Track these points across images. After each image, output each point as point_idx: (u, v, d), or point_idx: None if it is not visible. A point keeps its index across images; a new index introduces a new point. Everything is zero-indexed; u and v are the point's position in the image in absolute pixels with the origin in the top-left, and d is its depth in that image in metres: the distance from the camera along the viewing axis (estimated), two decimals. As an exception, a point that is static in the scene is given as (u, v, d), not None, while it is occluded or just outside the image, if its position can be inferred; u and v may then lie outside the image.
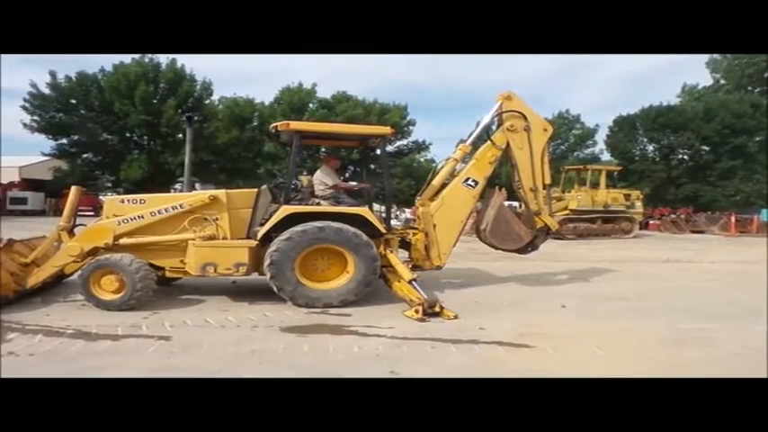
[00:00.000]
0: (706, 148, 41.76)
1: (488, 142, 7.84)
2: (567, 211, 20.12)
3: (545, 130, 8.07)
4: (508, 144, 7.88)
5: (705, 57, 48.69)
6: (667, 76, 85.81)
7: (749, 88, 47.17)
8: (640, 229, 23.62)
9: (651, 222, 29.02)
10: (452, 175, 7.99)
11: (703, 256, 14.05)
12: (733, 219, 25.61)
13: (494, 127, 7.98)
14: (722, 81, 49.75)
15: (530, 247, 8.16)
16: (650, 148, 43.91)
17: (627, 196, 23.25)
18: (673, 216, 28.36)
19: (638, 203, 23.55)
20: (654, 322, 5.99)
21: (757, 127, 40.44)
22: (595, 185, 21.67)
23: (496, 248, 8.21)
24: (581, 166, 23.67)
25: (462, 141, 8.72)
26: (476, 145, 8.11)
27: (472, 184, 7.67)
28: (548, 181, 8.14)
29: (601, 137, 44.98)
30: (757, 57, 43.80)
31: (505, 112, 7.81)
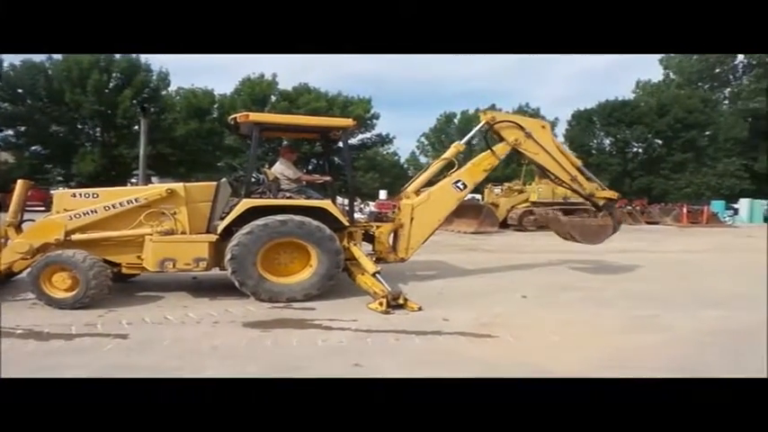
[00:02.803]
0: (659, 141, 43.37)
1: (488, 151, 8.00)
2: (528, 204, 20.50)
3: (543, 127, 8.36)
4: (523, 155, 8.25)
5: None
6: (623, 71, 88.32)
7: (699, 84, 49.09)
8: (598, 220, 24.21)
9: (608, 214, 29.80)
10: (442, 173, 8.12)
11: (657, 246, 14.57)
12: (685, 210, 26.62)
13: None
14: (672, 76, 51.62)
15: (615, 226, 8.61)
16: (607, 141, 45.27)
17: (585, 188, 23.80)
18: (628, 208, 29.25)
19: (596, 195, 24.11)
20: (610, 310, 6.19)
21: (707, 122, 42.15)
22: (555, 178, 22.09)
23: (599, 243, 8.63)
24: (541, 159, 24.04)
25: (449, 141, 8.96)
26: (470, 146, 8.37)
27: (461, 186, 7.80)
28: (577, 164, 8.58)
29: (560, 130, 46.05)
30: (707, 54, 45.53)
31: (497, 123, 7.99)
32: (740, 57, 47.43)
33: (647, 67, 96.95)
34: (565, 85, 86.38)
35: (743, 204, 32.38)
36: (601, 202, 8.70)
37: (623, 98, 44.77)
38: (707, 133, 42.76)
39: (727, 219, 28.91)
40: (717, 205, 30.97)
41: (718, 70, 49.12)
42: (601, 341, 4.90)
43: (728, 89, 50.07)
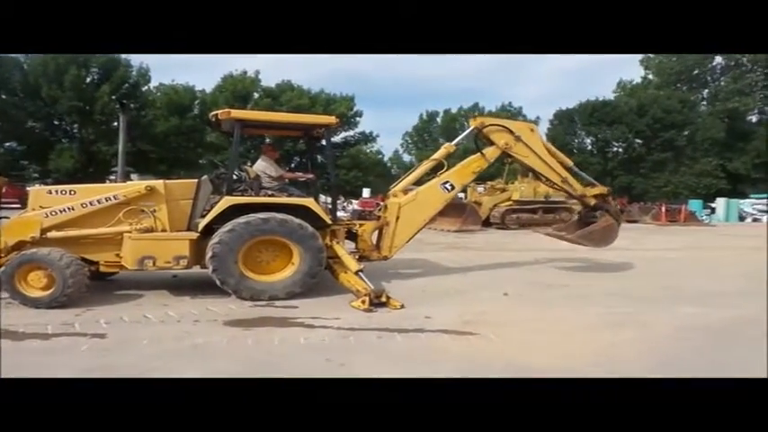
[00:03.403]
0: (639, 141, 43.98)
1: (478, 154, 8.04)
2: (510, 202, 20.62)
3: (531, 130, 8.42)
4: (514, 159, 8.32)
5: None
6: (605, 71, 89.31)
7: (678, 85, 49.87)
8: (579, 218, 24.46)
9: (589, 212, 30.14)
10: (432, 173, 8.14)
11: (637, 244, 14.72)
12: (663, 209, 27.01)
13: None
14: (650, 77, 52.37)
15: (618, 220, 8.71)
16: (588, 141, 45.79)
17: (566, 187, 24.03)
18: (608, 206, 29.56)
19: (577, 194, 24.36)
20: (591, 307, 6.24)
21: (685, 122, 42.84)
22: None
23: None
24: (523, 158, 24.16)
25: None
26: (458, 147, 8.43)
27: (449, 187, 7.84)
28: (568, 164, 8.65)
29: (542, 129, 46.48)
30: (685, 56, 46.25)
31: (487, 127, 8.03)
32: (718, 58, 48.39)
33: (628, 68, 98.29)
34: (547, 84, 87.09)
35: (719, 203, 33.02)
36: (592, 202, 8.73)
37: (604, 98, 45.38)
38: (685, 133, 43.50)
39: (704, 217, 29.43)
40: (694, 204, 31.51)
41: (696, 71, 49.96)
42: (584, 338, 4.94)
43: (706, 90, 50.99)
